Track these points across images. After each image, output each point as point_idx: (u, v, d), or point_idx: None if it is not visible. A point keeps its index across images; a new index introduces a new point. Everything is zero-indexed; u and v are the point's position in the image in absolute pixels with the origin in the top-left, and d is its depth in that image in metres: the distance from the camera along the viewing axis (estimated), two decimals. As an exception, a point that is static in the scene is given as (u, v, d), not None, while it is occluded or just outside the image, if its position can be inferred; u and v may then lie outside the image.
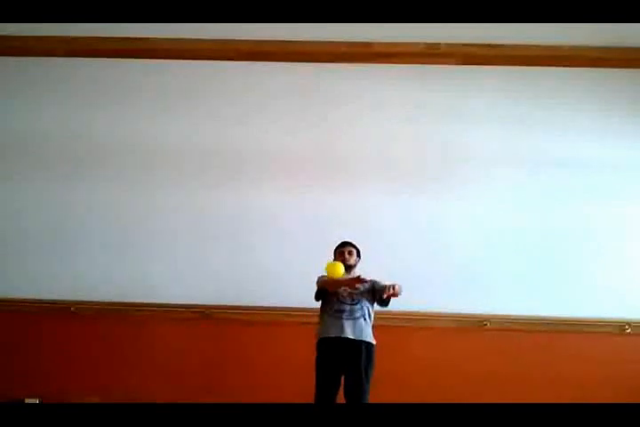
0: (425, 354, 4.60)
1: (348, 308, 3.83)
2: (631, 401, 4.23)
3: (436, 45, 4.69)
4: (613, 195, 4.79)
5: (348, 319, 3.79)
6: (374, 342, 3.82)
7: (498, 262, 4.72)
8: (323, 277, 3.85)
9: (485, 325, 4.61)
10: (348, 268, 3.93)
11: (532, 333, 4.60)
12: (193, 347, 4.67)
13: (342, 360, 3.75)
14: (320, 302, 3.92)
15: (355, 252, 4.03)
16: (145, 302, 4.72)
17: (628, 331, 4.58)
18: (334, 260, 3.96)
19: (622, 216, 4.76)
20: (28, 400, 4.61)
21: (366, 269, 3.88)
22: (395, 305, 4.46)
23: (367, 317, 3.85)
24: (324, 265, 3.78)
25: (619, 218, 4.75)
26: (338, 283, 3.82)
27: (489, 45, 4.68)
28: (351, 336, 3.76)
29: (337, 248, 4.06)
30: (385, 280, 3.85)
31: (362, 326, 3.80)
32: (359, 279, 3.73)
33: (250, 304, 4.64)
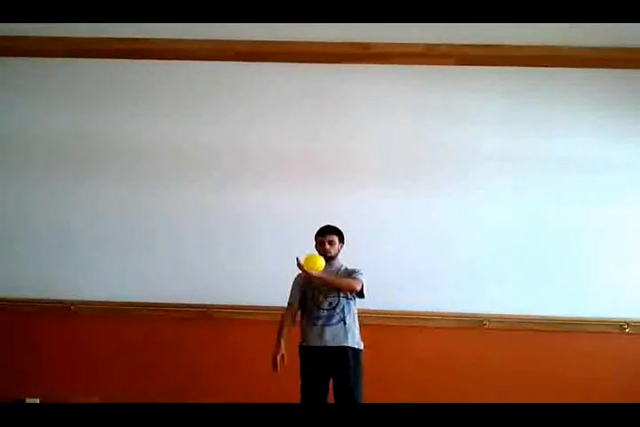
0: (425, 354, 4.60)
1: (325, 313, 3.68)
2: (631, 401, 4.23)
3: (436, 46, 4.69)
4: (613, 195, 4.79)
5: (326, 326, 3.65)
6: (361, 348, 3.70)
7: (498, 262, 4.72)
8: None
9: (485, 324, 4.62)
10: (329, 259, 3.75)
11: (532, 332, 4.61)
12: (193, 347, 4.68)
13: (328, 369, 3.63)
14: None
15: (337, 240, 3.79)
16: (145, 301, 4.72)
17: (628, 330, 4.59)
18: (315, 247, 3.82)
19: (622, 216, 4.76)
20: (28, 400, 4.62)
21: (366, 269, 3.89)
22: (395, 305, 4.52)
23: (349, 319, 3.68)
24: (302, 258, 3.65)
25: (619, 218, 4.76)
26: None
27: (488, 46, 4.68)
28: (331, 344, 3.63)
29: (317, 235, 3.80)
30: (359, 267, 3.80)
31: (342, 330, 3.65)
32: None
33: (250, 304, 4.64)
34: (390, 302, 4.36)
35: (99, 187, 4.92)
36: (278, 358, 3.67)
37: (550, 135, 4.87)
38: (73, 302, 4.74)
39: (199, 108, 5.00)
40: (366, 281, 3.77)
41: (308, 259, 3.67)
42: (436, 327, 4.62)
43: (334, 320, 3.67)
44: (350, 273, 3.78)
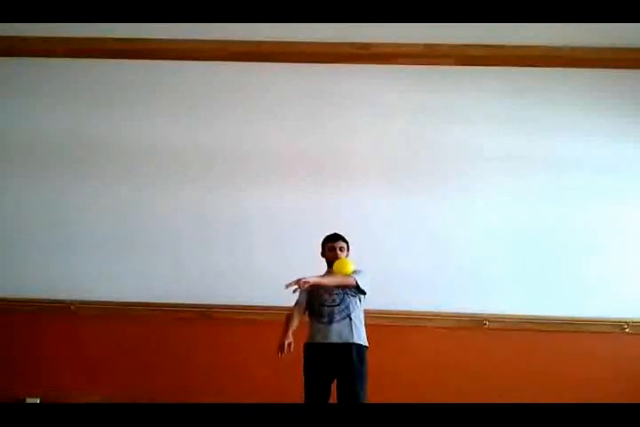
0: (425, 354, 4.60)
1: (330, 310, 3.66)
2: (631, 401, 4.23)
3: (436, 46, 4.69)
4: (613, 195, 4.79)
5: (332, 323, 3.63)
6: (366, 344, 3.68)
7: (497, 262, 4.72)
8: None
9: (485, 324, 4.62)
10: None
11: (532, 332, 4.61)
12: (193, 347, 4.68)
13: (332, 367, 3.60)
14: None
15: (345, 247, 3.83)
16: (145, 301, 4.72)
17: (628, 330, 4.59)
18: (323, 254, 3.84)
19: (622, 216, 4.76)
20: (28, 400, 4.62)
21: (366, 268, 3.88)
22: (395, 305, 4.52)
23: (354, 316, 3.67)
24: (336, 264, 3.68)
25: (618, 218, 4.76)
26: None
27: (488, 46, 4.68)
28: (337, 341, 3.60)
29: (326, 241, 3.84)
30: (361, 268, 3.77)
31: (348, 327, 3.63)
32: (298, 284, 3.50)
33: (250, 304, 4.65)
34: (390, 302, 4.35)
35: (99, 187, 4.93)
36: (286, 342, 3.63)
37: (550, 135, 4.87)
38: (73, 302, 4.74)
39: (199, 108, 5.00)
40: (368, 278, 3.76)
41: (338, 263, 3.69)
42: (435, 327, 4.62)
43: (339, 317, 3.66)
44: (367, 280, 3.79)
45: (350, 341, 3.63)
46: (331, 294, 3.72)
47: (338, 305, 3.69)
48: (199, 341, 4.68)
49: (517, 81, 4.90)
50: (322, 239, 3.89)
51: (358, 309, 3.74)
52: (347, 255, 3.86)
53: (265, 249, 4.75)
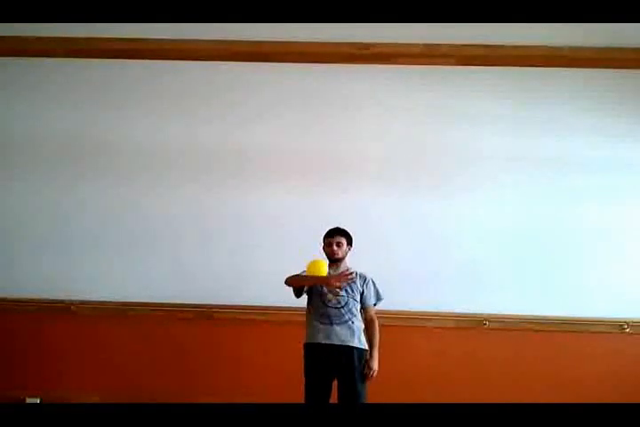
0: (425, 354, 4.61)
1: (334, 312, 3.66)
2: (631, 401, 4.24)
3: (436, 46, 4.68)
4: (613, 195, 4.79)
5: (335, 324, 3.63)
6: (366, 348, 3.69)
7: (498, 262, 4.72)
8: (297, 275, 3.72)
9: (485, 324, 4.62)
10: (336, 261, 3.77)
11: (532, 332, 4.61)
12: (193, 347, 4.68)
13: (333, 368, 3.61)
14: (306, 297, 3.77)
15: (345, 242, 3.78)
16: (145, 301, 4.72)
17: (627, 330, 4.59)
18: (323, 249, 3.84)
19: (622, 216, 4.77)
20: (28, 400, 4.62)
21: (363, 268, 3.90)
22: (394, 305, 4.51)
23: (356, 319, 3.68)
24: (307, 264, 3.68)
25: (619, 218, 4.76)
26: (309, 280, 3.65)
27: (488, 46, 4.67)
28: (339, 343, 3.60)
29: (325, 237, 3.82)
30: (378, 280, 3.85)
31: (349, 330, 3.64)
32: (340, 278, 3.57)
33: (250, 304, 4.65)
34: (390, 302, 4.33)
35: (99, 187, 4.93)
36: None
37: (550, 135, 4.87)
38: (73, 302, 4.75)
39: (199, 107, 5.00)
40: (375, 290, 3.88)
41: (311, 264, 3.67)
42: (435, 327, 4.62)
43: (342, 320, 3.66)
44: (365, 286, 3.81)
45: (351, 344, 3.64)
46: (335, 295, 3.71)
47: (342, 307, 3.69)
48: (199, 341, 4.68)
49: (517, 81, 4.90)
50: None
51: (360, 312, 3.75)
52: (348, 250, 3.83)
53: (265, 249, 4.75)
